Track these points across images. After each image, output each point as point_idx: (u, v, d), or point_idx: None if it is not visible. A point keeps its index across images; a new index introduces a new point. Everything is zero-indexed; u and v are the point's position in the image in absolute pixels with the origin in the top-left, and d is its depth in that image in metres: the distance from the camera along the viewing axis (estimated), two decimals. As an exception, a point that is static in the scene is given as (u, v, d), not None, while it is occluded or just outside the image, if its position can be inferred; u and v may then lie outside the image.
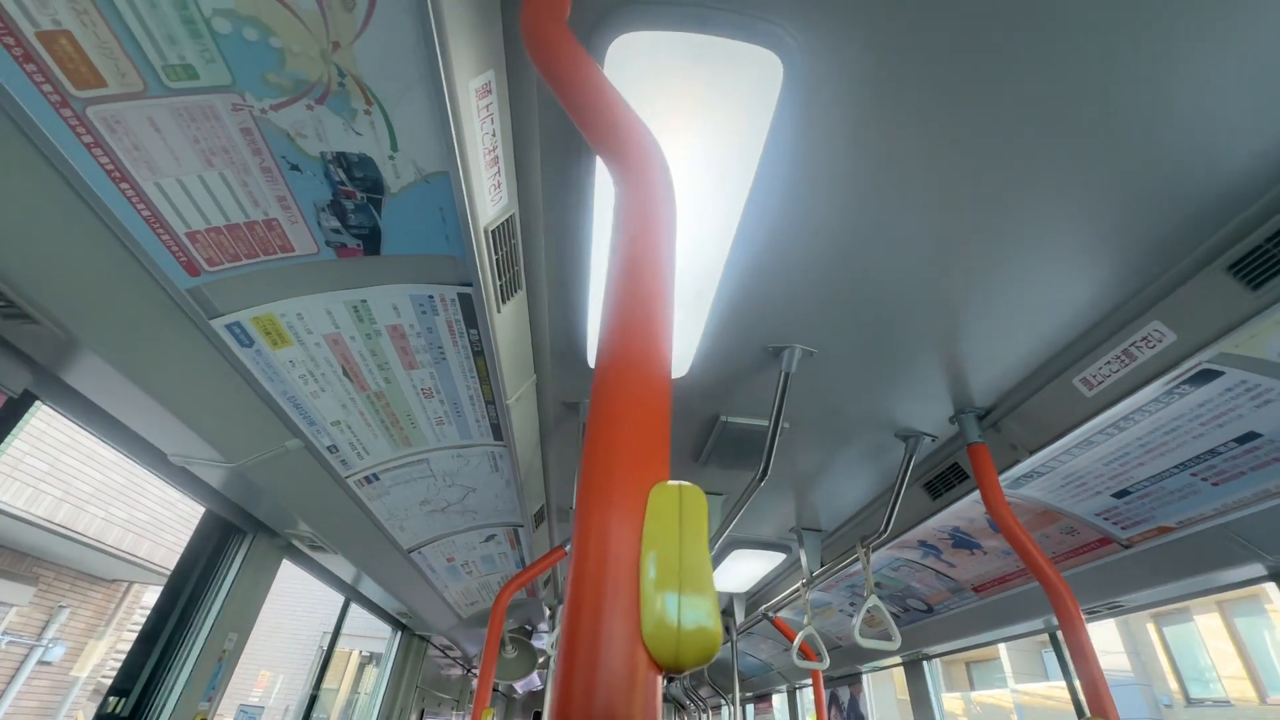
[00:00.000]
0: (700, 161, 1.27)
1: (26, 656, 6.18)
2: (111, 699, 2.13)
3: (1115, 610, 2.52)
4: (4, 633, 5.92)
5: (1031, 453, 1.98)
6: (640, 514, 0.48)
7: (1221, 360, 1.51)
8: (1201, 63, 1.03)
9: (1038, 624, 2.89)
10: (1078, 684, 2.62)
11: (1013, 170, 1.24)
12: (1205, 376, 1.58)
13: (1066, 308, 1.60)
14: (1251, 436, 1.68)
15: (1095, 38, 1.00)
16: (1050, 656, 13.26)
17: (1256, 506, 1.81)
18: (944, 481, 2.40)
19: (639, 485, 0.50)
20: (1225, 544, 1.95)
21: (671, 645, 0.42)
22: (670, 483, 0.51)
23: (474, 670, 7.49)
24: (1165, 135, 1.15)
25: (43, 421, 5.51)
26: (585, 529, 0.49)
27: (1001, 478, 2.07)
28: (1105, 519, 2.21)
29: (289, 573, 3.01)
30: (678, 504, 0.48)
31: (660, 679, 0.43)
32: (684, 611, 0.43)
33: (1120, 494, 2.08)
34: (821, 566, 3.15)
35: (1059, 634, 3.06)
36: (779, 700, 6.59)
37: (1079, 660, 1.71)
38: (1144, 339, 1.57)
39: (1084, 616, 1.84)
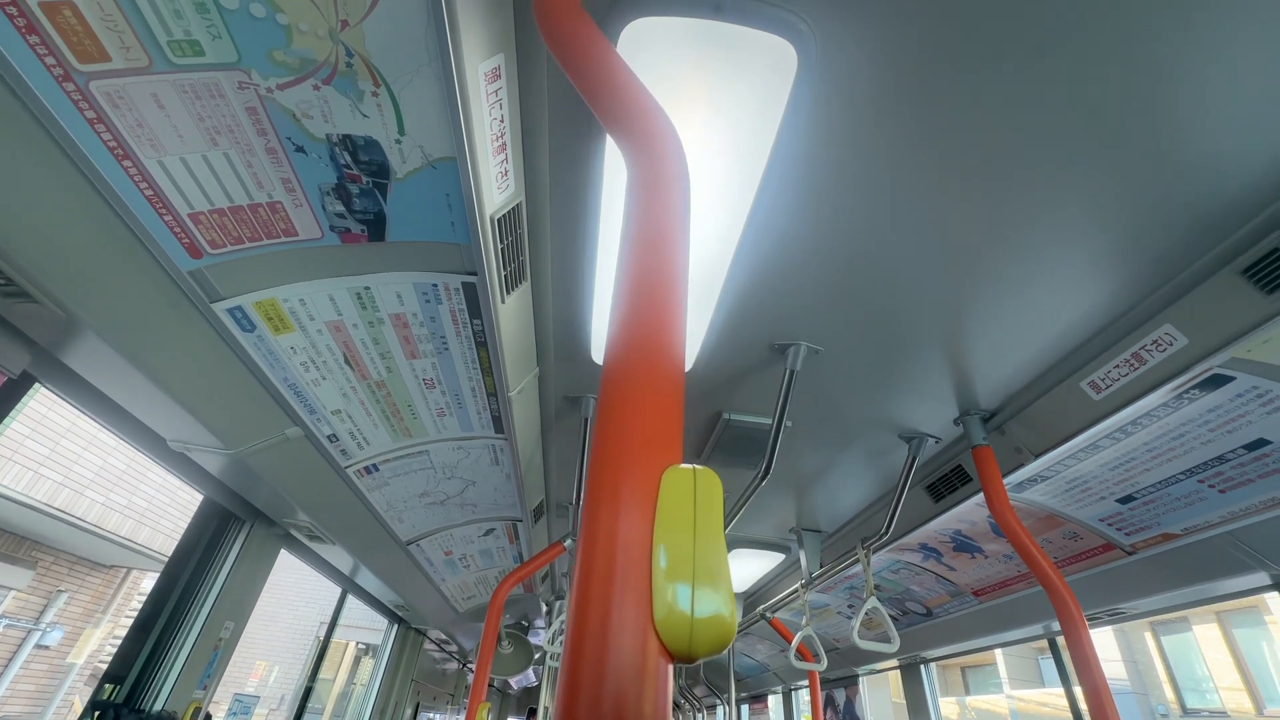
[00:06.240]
0: (710, 154, 1.25)
1: (24, 640, 6.19)
2: (107, 685, 2.12)
3: (1117, 617, 2.50)
4: (2, 615, 5.93)
5: (1037, 456, 1.96)
6: (652, 497, 0.47)
7: (1233, 365, 1.49)
8: (1216, 68, 1.02)
9: (1037, 629, 2.87)
10: (1077, 691, 2.61)
11: (1025, 170, 1.22)
12: (1216, 381, 1.56)
13: (1076, 310, 1.58)
14: (1261, 443, 1.66)
15: (1112, 45, 0.99)
16: (1046, 663, 13.24)
17: (1263, 515, 1.79)
18: (946, 484, 2.38)
19: (651, 468, 0.48)
20: (1230, 552, 1.93)
21: (685, 633, 0.41)
22: (684, 465, 0.49)
23: (469, 665, 7.49)
24: (1180, 140, 1.14)
25: (43, 405, 5.51)
26: (595, 512, 0.47)
27: (1005, 481, 2.05)
28: (1109, 525, 2.19)
29: (286, 563, 3.00)
30: (692, 487, 0.47)
31: (671, 668, 0.42)
32: (698, 599, 0.42)
33: (1125, 499, 2.06)
34: (821, 568, 3.13)
35: (1059, 640, 3.05)
36: (774, 701, 6.58)
37: (1081, 667, 1.69)
38: (1154, 342, 1.55)
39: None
